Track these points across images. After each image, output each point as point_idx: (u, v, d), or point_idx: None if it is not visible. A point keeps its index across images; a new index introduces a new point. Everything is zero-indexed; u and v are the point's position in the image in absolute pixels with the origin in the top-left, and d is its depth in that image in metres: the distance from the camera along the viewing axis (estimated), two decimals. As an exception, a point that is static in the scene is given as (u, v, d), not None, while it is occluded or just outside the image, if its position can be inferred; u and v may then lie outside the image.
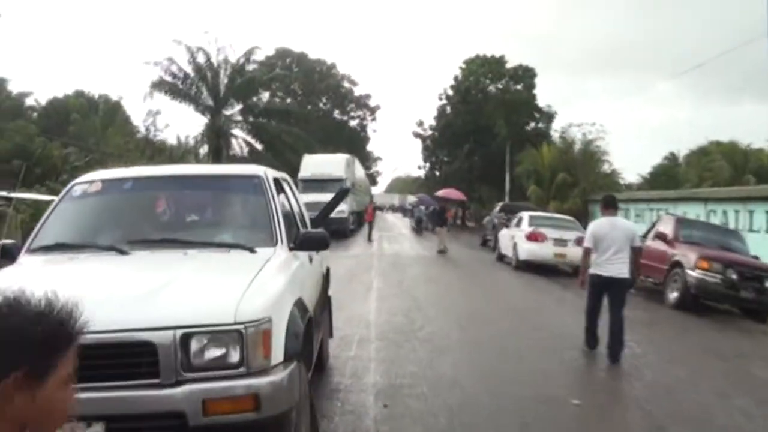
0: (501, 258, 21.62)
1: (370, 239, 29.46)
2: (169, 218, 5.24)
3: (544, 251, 18.39)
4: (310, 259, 5.86)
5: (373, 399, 6.34)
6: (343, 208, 29.98)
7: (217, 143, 33.77)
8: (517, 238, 19.37)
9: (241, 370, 3.31)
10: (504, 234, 21.55)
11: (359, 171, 41.03)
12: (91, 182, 5.28)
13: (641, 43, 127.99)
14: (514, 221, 20.92)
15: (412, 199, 60.94)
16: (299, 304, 4.25)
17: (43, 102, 49.05)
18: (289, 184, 6.85)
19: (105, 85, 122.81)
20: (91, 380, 3.08)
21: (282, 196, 5.85)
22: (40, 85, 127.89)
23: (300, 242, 5.10)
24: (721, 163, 40.52)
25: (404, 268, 18.45)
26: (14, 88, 47.18)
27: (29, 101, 49.08)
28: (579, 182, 34.50)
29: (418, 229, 38.56)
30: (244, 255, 4.54)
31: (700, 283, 13.15)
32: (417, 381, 6.95)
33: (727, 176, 37.97)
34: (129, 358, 3.22)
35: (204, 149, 36.34)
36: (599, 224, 8.62)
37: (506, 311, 12.16)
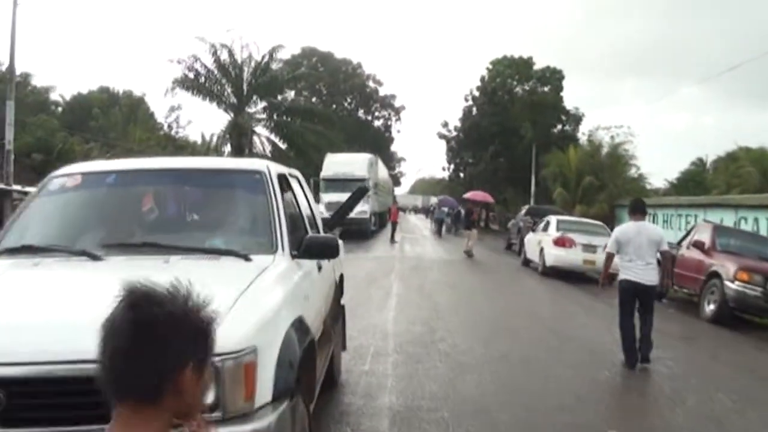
0: (527, 263, 20.80)
1: (393, 240, 28.76)
2: (155, 218, 4.53)
3: (572, 257, 17.55)
4: (319, 267, 5.16)
5: (388, 425, 5.62)
6: (364, 209, 29.35)
7: (239, 141, 33.20)
8: (544, 242, 18.55)
9: (216, 415, 2.62)
10: (530, 238, 20.73)
11: (382, 171, 40.33)
12: (70, 175, 4.61)
13: (668, 48, 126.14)
14: (541, 225, 20.09)
15: (434, 200, 60.19)
16: (298, 324, 3.53)
17: (67, 97, 48.97)
18: (299, 181, 6.16)
19: (129, 81, 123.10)
20: (18, 424, 2.43)
21: (289, 194, 5.15)
22: (64, 80, 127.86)
23: (304, 249, 4.37)
24: (750, 169, 39.71)
25: (426, 272, 17.72)
26: (38, 82, 46.97)
27: (53, 96, 48.98)
28: (606, 186, 33.67)
29: (439, 231, 37.61)
30: (236, 264, 3.85)
31: (739, 296, 12.30)
32: (437, 404, 6.21)
33: (756, 183, 37.26)
34: (65, 397, 2.53)
35: (228, 148, 35.83)
36: (624, 229, 8.46)
37: (533, 322, 11.39)
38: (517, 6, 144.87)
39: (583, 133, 42.67)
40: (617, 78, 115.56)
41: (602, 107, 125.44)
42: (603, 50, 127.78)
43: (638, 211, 8.48)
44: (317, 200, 29.06)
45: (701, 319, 12.94)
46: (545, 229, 19.29)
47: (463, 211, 28.87)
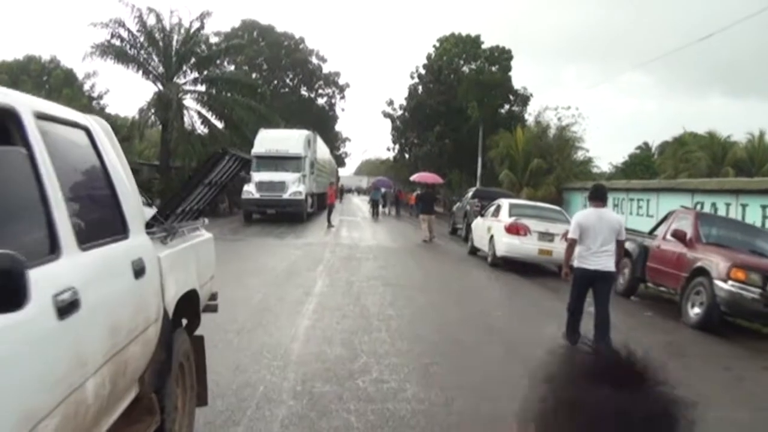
0: (474, 252, 18.24)
1: (329, 225, 25.83)
2: None
3: (526, 247, 15.01)
4: (138, 274, 3.27)
5: None
6: (299, 189, 26.45)
7: (165, 114, 29.71)
8: (494, 229, 15.96)
9: None
10: (478, 224, 18.12)
11: (322, 149, 37.24)
12: None
13: (608, 34, 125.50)
14: (491, 209, 17.49)
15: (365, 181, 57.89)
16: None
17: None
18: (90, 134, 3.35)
19: (58, 49, 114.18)
20: None
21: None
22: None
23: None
24: (700, 154, 38.89)
25: (359, 264, 14.95)
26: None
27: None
28: (554, 169, 31.73)
29: (374, 213, 36.55)
30: None
31: (734, 298, 9.92)
32: None
33: (704, 168, 36.48)
34: None
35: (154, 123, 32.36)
36: (586, 215, 8.15)
37: (484, 336, 8.71)
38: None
39: (530, 114, 40.51)
40: (558, 62, 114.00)
41: (543, 91, 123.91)
42: (546, 34, 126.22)
43: (599, 197, 8.23)
44: (248, 180, 26.28)
45: (683, 323, 10.55)
46: (496, 213, 16.70)
47: (424, 194, 26.32)
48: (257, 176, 26.57)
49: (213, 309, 5.59)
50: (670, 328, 10.44)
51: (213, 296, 5.64)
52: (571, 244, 8.10)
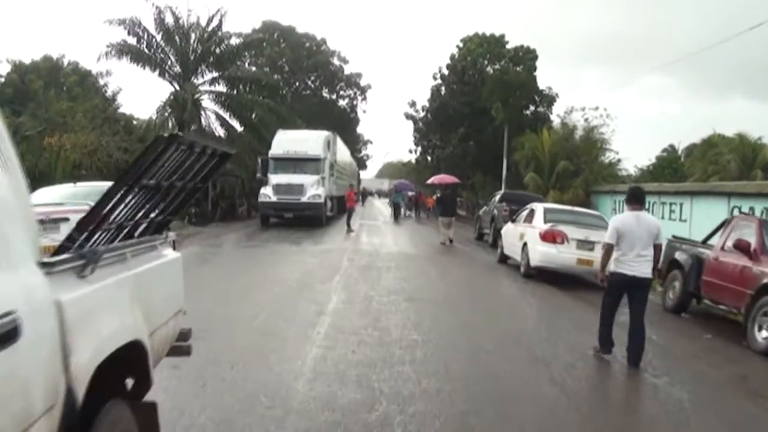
0: (504, 260, 16.70)
1: (348, 230, 24.32)
2: None
3: (564, 256, 13.46)
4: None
5: None
6: (318, 192, 25.07)
7: (181, 115, 28.50)
8: (528, 236, 14.42)
9: None
10: (509, 230, 16.56)
11: (342, 151, 35.76)
12: None
13: (633, 35, 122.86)
14: (523, 214, 15.94)
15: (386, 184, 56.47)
16: None
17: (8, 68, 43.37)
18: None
19: (76, 51, 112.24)
20: None
21: None
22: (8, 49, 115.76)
23: None
24: (730, 156, 37.23)
25: (379, 274, 13.47)
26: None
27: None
28: (581, 171, 30.01)
29: (396, 216, 35.51)
30: None
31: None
32: None
33: (734, 170, 34.90)
34: None
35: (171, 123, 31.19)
36: (624, 219, 7.77)
37: (531, 367, 7.20)
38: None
39: (558, 115, 38.81)
40: (579, 65, 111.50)
41: (565, 94, 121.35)
42: (567, 36, 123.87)
43: (637, 200, 7.81)
44: (264, 182, 24.95)
45: (749, 348, 8.97)
46: (529, 219, 15.16)
47: (444, 196, 25.14)
48: (275, 178, 25.24)
49: (184, 352, 4.20)
50: (737, 356, 8.86)
51: (184, 335, 4.23)
52: (609, 250, 7.73)
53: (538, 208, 15.28)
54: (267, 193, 25.03)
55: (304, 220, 24.90)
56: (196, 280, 12.53)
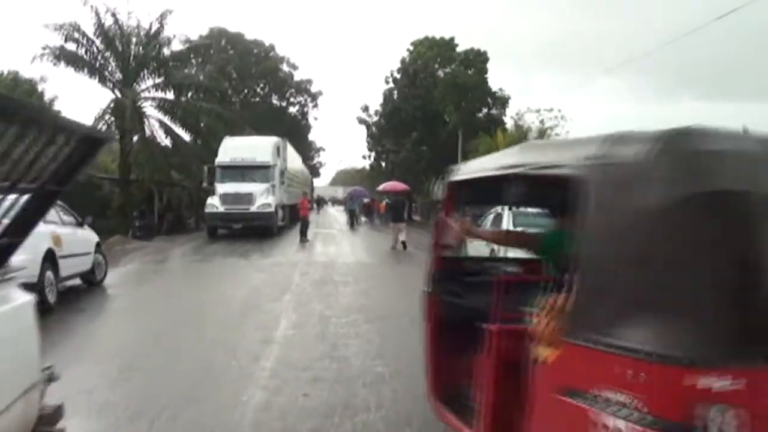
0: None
1: (303, 240, 22.65)
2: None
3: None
4: None
5: None
6: (268, 201, 23.57)
7: (122, 123, 26.56)
8: (495, 244, 13.08)
9: None
10: (473, 237, 15.23)
11: (294, 158, 34.15)
12: None
13: (583, 40, 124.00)
14: (489, 219, 14.74)
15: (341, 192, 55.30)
16: None
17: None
18: None
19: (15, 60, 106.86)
20: None
21: None
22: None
23: None
24: None
25: (336, 289, 12.08)
26: None
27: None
28: (536, 173, 29.18)
29: (351, 223, 34.83)
30: None
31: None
32: None
33: None
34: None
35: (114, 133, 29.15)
36: None
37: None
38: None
39: (512, 117, 38.08)
40: (530, 68, 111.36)
41: (516, 98, 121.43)
42: (518, 40, 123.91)
43: None
44: (211, 192, 23.32)
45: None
46: (495, 224, 13.95)
47: (393, 202, 24.30)
48: (222, 188, 23.62)
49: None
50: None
51: (50, 418, 2.82)
52: None
53: (505, 212, 14.06)
54: (214, 204, 23.39)
55: (253, 230, 23.32)
56: (127, 303, 11.02)
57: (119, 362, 6.85)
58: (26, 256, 9.10)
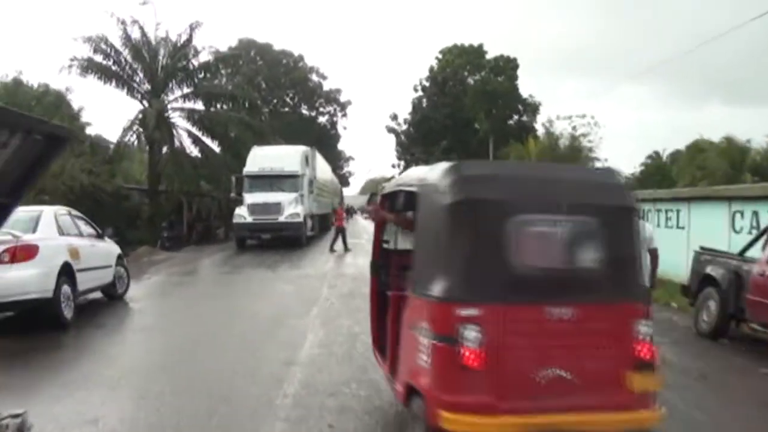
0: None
1: (332, 249, 21.99)
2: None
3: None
4: None
5: None
6: (297, 210, 22.98)
7: (151, 134, 26.30)
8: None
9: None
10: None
11: (323, 167, 33.63)
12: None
13: (609, 46, 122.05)
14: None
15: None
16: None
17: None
18: None
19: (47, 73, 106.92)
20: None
21: None
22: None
23: None
24: (719, 160, 36.02)
25: (365, 302, 11.39)
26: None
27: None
28: (568, 180, 28.34)
29: None
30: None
31: None
32: None
33: (722, 175, 33.14)
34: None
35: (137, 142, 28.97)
36: None
37: None
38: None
39: (543, 124, 37.20)
40: (556, 75, 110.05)
41: (543, 104, 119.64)
42: (544, 47, 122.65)
43: None
44: (239, 202, 22.87)
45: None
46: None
47: None
48: (250, 197, 23.11)
49: None
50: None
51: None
52: None
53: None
54: (242, 214, 22.89)
55: (282, 240, 22.79)
56: (147, 319, 10.44)
57: (131, 387, 6.30)
58: (40, 270, 8.66)
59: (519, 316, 3.72)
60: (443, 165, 4.10)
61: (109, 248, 11.56)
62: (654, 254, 6.92)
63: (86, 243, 10.40)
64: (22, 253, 8.53)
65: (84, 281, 9.98)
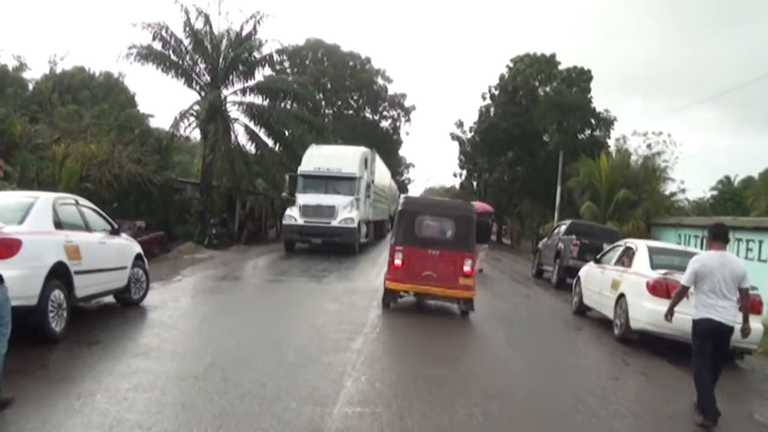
0: (582, 311, 12.38)
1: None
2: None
3: (684, 318, 8.94)
4: None
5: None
6: (351, 215, 20.90)
7: (206, 126, 24.66)
8: (625, 286, 10.06)
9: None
10: (592, 274, 12.13)
11: (382, 171, 31.39)
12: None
13: (679, 69, 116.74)
14: (615, 255, 11.55)
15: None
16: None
17: (38, 76, 40.43)
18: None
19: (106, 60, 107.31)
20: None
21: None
22: (37, 59, 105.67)
23: None
24: None
25: (422, 332, 9.21)
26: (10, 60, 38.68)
27: (26, 75, 40.54)
28: (642, 201, 25.64)
29: None
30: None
31: None
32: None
33: None
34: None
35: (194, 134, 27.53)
36: (706, 259, 6.53)
37: None
38: (537, 4, 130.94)
39: (616, 140, 34.20)
40: (623, 93, 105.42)
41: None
42: (614, 63, 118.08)
43: (720, 238, 6.59)
44: (292, 202, 20.96)
45: None
46: (625, 261, 10.79)
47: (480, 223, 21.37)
48: (302, 198, 21.15)
49: None
50: None
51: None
52: (682, 292, 6.82)
53: (641, 246, 10.82)
54: (293, 215, 20.90)
55: (334, 246, 20.76)
56: (155, 337, 7.93)
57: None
58: (20, 271, 6.69)
59: (417, 252, 10.79)
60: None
61: (125, 246, 9.65)
62: (744, 294, 6.41)
63: (93, 239, 8.47)
64: (-1, 249, 6.61)
65: (85, 285, 8.07)
